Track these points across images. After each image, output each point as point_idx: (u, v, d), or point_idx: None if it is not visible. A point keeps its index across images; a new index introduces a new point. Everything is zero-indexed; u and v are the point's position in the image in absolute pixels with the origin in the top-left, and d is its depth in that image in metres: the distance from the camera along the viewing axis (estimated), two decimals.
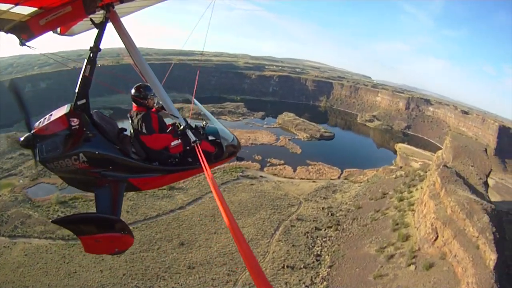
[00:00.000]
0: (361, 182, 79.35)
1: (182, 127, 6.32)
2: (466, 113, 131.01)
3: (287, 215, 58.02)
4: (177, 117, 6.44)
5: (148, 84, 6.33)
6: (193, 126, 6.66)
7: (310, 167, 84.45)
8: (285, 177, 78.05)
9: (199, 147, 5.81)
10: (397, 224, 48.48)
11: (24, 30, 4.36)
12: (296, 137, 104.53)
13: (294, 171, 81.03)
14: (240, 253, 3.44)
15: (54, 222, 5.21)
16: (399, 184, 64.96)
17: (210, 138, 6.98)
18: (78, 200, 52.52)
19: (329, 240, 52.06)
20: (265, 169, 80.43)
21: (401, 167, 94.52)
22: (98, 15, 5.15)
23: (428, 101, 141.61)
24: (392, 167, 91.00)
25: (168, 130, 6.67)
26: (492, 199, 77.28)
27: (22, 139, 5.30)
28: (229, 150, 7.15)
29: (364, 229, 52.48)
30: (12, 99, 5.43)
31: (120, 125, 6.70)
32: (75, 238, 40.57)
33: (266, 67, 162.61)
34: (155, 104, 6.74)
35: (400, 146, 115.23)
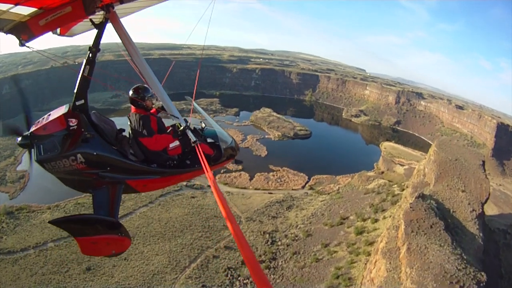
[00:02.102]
0: (328, 193, 61.76)
1: (182, 127, 5.70)
2: (461, 108, 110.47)
3: (216, 240, 43.02)
4: (177, 117, 5.76)
5: (146, 86, 5.75)
6: (192, 128, 5.90)
7: (271, 174, 67.14)
8: (237, 187, 62.15)
9: (199, 147, 5.13)
10: (337, 277, 31.33)
11: (24, 31, 4.02)
12: (266, 136, 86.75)
13: (251, 179, 64.30)
14: (242, 255, 3.14)
15: (51, 222, 4.60)
16: (365, 206, 46.83)
17: (209, 140, 6.33)
18: (23, 211, 45.90)
19: (251, 283, 36.80)
20: (217, 176, 63.45)
21: (382, 173, 75.75)
22: (98, 16, 4.73)
23: (420, 95, 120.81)
24: (370, 173, 72.38)
25: (167, 132, 6.08)
26: (489, 212, 59.32)
27: (19, 139, 4.73)
28: (227, 153, 6.38)
29: (299, 274, 36.77)
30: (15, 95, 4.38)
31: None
32: (5, 253, 38.74)
33: (252, 60, 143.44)
34: (153, 105, 6.04)
35: (386, 145, 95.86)
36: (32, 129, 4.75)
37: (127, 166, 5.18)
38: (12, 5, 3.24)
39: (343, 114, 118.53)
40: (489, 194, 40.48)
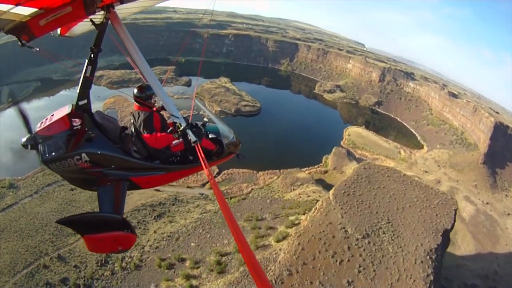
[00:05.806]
0: (231, 198, 41.53)
1: (182, 127, 4.83)
2: (455, 96, 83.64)
3: (57, 247, 33.40)
4: (177, 117, 4.92)
5: (149, 84, 5.05)
6: (194, 124, 5.20)
7: None
8: None
9: (200, 147, 4.48)
10: None
11: (25, 31, 3.55)
12: (201, 112, 64.53)
13: None
14: (241, 252, 2.96)
15: (58, 222, 4.14)
16: (218, 248, 26.89)
17: (211, 136, 5.58)
18: None
19: None
20: None
21: (325, 172, 53.96)
22: (99, 16, 4.29)
23: (410, 75, 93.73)
24: (303, 174, 50.86)
25: (169, 130, 5.30)
26: (462, 249, 38.91)
27: (24, 140, 4.24)
28: (229, 148, 5.66)
29: None
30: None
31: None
32: None
33: (233, 25, 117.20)
34: (156, 103, 5.36)
35: (351, 132, 72.59)
36: (36, 129, 4.27)
37: (131, 164, 4.62)
38: (12, 6, 2.92)
39: (315, 88, 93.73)
40: None
